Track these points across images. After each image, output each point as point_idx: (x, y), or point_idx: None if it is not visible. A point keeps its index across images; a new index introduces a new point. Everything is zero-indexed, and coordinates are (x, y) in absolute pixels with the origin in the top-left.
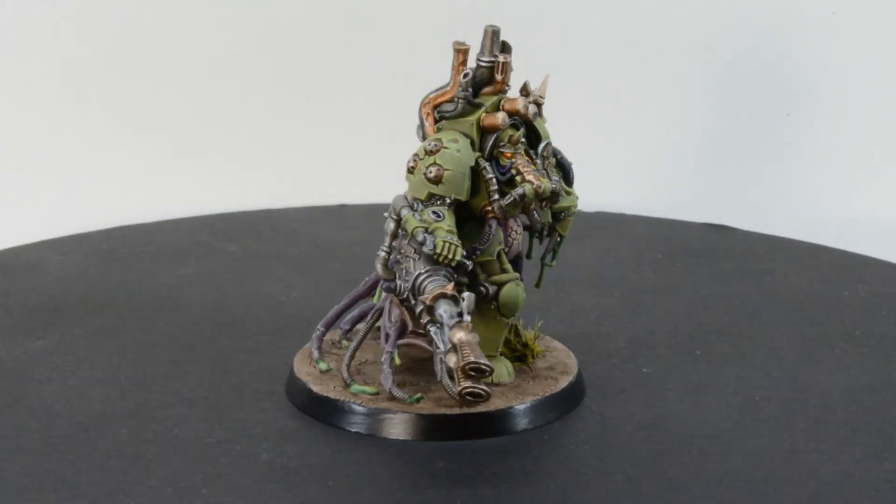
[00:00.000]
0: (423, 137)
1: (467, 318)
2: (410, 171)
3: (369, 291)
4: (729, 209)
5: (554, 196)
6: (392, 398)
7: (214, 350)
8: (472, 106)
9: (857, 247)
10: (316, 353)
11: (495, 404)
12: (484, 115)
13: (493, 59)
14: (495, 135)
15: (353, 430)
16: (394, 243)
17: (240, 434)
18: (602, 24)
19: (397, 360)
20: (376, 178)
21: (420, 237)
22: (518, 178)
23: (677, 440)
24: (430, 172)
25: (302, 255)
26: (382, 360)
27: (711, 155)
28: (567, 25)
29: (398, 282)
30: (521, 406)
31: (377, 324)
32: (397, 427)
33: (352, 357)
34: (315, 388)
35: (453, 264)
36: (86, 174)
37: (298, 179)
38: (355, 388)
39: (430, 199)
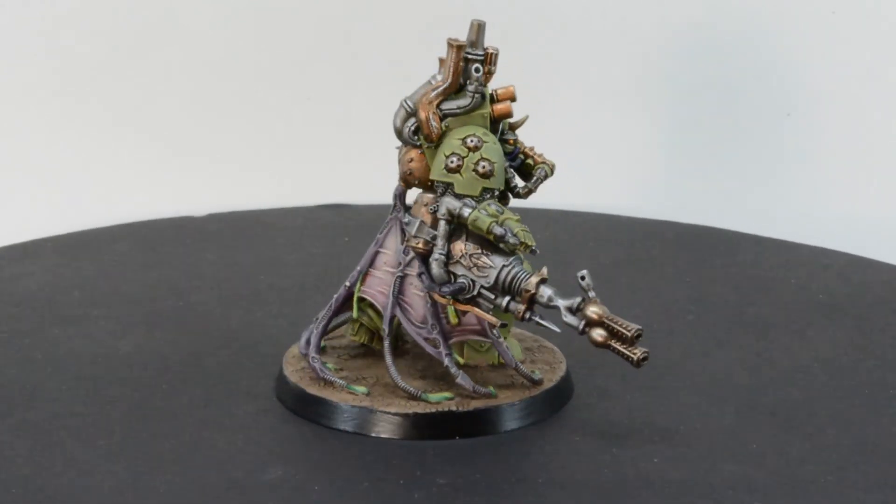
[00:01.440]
0: (426, 137)
1: (592, 293)
2: (455, 170)
3: (342, 307)
4: (728, 209)
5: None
6: (477, 396)
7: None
8: (484, 99)
9: (856, 247)
10: (340, 381)
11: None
12: (492, 106)
13: (483, 51)
14: (500, 124)
15: (342, 429)
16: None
17: (230, 434)
18: (601, 24)
19: (461, 360)
20: (377, 178)
21: (498, 231)
22: (530, 162)
23: (666, 437)
24: (483, 168)
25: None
26: (446, 364)
27: (711, 155)
28: (566, 25)
29: (464, 280)
30: (509, 405)
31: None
32: (386, 426)
33: (396, 371)
34: (306, 388)
35: (529, 251)
36: (84, 174)
37: (298, 179)
38: (434, 397)
39: (483, 193)
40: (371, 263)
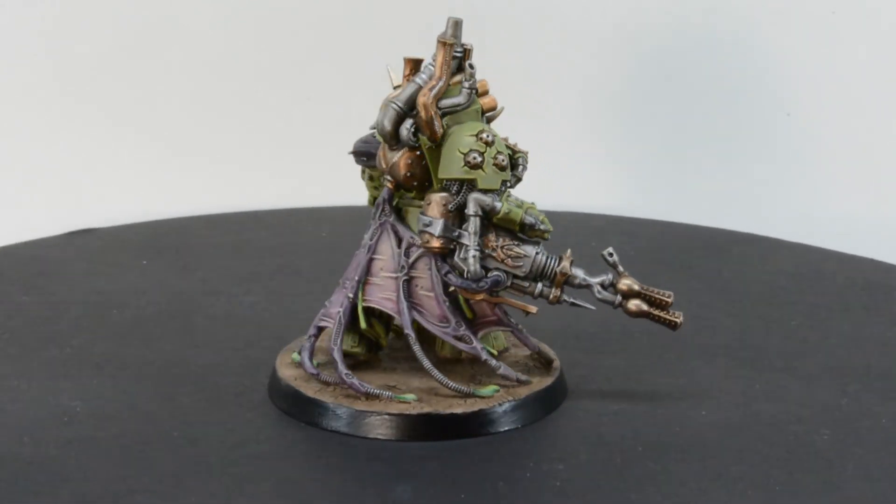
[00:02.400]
0: (431, 137)
1: (621, 268)
2: (478, 165)
3: (351, 318)
4: (728, 209)
5: None
6: (520, 384)
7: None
8: (476, 94)
9: (857, 247)
10: (387, 393)
11: (477, 404)
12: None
13: (463, 47)
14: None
15: (336, 431)
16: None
17: (223, 434)
18: (600, 24)
19: (494, 351)
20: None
21: (529, 220)
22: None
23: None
24: (501, 161)
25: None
26: (484, 358)
27: (711, 155)
28: (565, 25)
29: (499, 273)
30: (502, 406)
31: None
32: (380, 427)
33: (441, 373)
34: (299, 390)
35: (548, 236)
36: (84, 174)
37: (298, 180)
38: (485, 391)
39: (501, 185)
40: (367, 272)
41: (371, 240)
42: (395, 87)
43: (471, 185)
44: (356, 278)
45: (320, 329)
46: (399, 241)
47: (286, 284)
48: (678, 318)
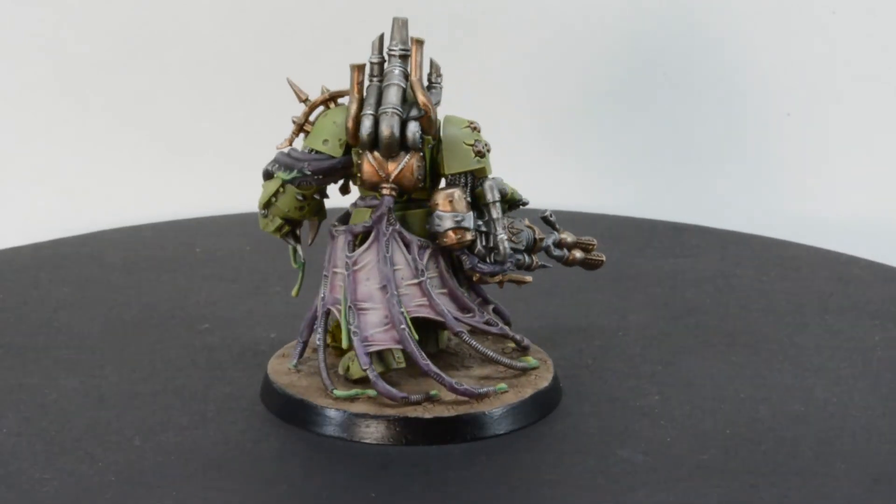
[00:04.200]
0: (434, 136)
1: (558, 225)
2: (483, 155)
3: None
4: (728, 209)
5: None
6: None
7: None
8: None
9: (856, 247)
10: (493, 388)
11: (471, 408)
12: None
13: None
14: None
15: (328, 435)
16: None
17: (217, 439)
18: (598, 24)
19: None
20: None
21: (521, 196)
22: None
23: (654, 443)
24: (489, 146)
25: None
26: (511, 335)
27: (711, 155)
28: (563, 25)
29: (518, 256)
30: (496, 410)
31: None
32: (372, 431)
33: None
34: (291, 392)
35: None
36: (84, 174)
37: None
38: (532, 363)
39: None
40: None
41: (387, 253)
42: (302, 101)
43: (473, 174)
44: (395, 292)
45: (370, 355)
46: (406, 246)
47: (278, 286)
48: (602, 257)
